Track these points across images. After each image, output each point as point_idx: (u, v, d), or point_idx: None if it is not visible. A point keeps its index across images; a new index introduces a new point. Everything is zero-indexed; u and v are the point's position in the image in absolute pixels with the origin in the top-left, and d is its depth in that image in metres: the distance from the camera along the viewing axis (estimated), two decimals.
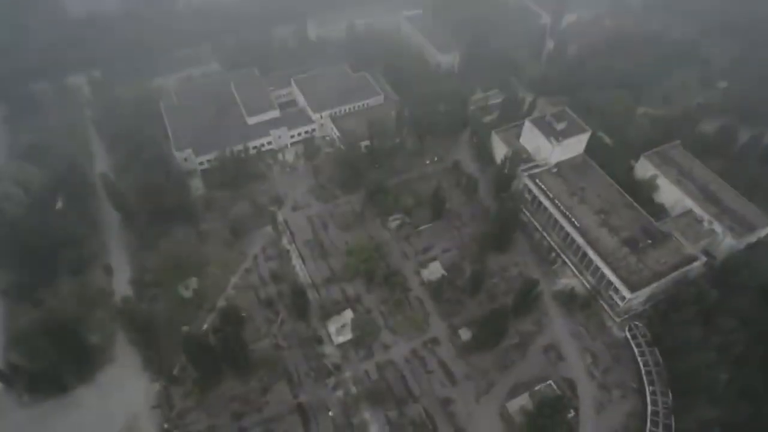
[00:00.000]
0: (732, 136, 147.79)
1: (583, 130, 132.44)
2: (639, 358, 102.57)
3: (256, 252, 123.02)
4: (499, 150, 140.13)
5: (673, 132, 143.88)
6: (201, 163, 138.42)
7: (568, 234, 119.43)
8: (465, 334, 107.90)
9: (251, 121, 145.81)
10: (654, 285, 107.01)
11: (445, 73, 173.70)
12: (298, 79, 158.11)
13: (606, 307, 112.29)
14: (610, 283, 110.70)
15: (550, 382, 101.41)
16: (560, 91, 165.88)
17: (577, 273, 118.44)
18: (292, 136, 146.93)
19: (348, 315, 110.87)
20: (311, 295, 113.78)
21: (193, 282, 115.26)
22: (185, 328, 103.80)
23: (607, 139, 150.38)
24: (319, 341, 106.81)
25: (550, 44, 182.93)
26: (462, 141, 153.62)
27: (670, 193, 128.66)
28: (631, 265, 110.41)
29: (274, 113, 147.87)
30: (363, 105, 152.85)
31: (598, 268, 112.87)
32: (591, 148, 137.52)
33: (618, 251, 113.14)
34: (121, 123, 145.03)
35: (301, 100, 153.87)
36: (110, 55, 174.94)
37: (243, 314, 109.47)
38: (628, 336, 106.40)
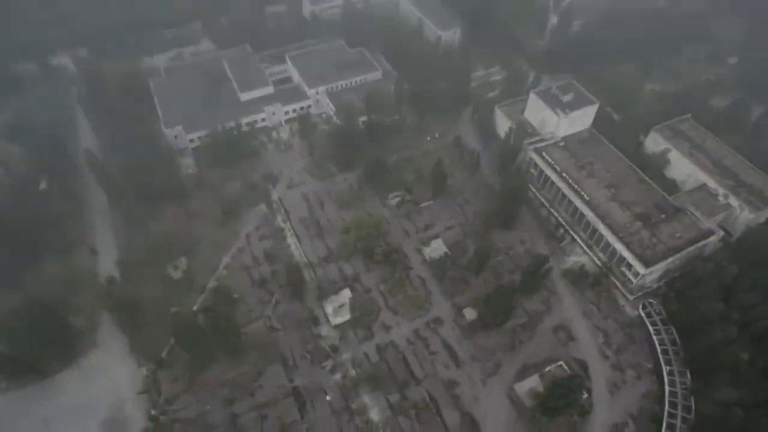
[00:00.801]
0: (745, 111, 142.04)
1: (591, 102, 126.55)
2: (654, 337, 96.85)
3: (249, 231, 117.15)
4: (503, 125, 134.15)
5: (683, 108, 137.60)
6: (192, 141, 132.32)
7: (576, 209, 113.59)
8: (470, 314, 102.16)
9: (244, 97, 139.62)
10: (669, 260, 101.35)
11: (445, 50, 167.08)
12: (292, 55, 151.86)
13: (618, 284, 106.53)
14: (622, 259, 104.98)
15: (560, 363, 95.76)
16: (565, 67, 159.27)
17: (586, 249, 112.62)
18: (287, 113, 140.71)
19: (346, 294, 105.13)
20: (307, 274, 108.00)
21: (183, 262, 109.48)
22: (174, 310, 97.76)
23: (615, 115, 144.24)
24: (316, 322, 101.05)
25: (553, 20, 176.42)
26: (464, 118, 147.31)
27: (682, 167, 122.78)
28: (645, 240, 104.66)
29: (268, 89, 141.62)
30: (360, 80, 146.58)
31: (609, 244, 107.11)
32: (598, 124, 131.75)
33: (630, 226, 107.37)
34: (108, 101, 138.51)
35: (296, 76, 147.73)
36: (97, 35, 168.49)
37: (235, 295, 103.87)
38: (642, 314, 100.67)
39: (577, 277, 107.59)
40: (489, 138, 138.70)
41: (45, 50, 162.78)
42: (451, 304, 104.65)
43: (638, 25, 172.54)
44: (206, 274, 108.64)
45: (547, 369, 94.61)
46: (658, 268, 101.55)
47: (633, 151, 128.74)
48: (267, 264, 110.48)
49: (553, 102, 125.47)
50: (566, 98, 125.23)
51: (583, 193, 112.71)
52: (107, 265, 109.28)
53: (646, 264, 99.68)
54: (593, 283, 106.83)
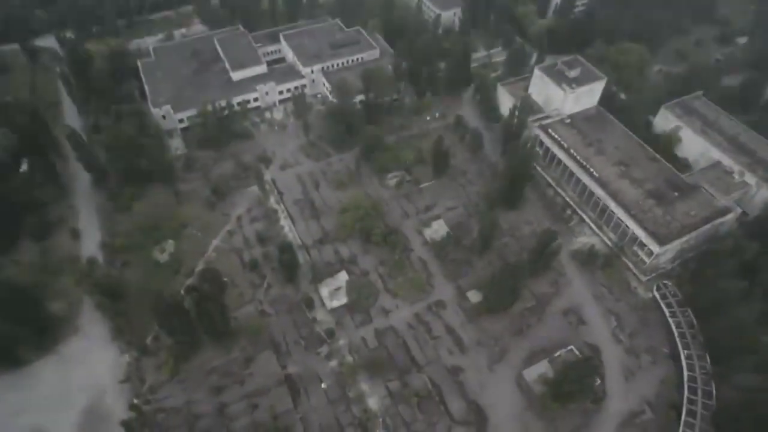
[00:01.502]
0: (757, 89, 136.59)
1: (598, 78, 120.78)
2: (670, 320, 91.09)
3: (241, 213, 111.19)
4: (506, 103, 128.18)
5: (693, 88, 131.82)
6: (181, 121, 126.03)
7: (585, 187, 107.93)
8: (474, 297, 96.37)
9: (236, 76, 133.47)
10: (684, 239, 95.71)
11: (445, 29, 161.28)
12: (287, 34, 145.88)
13: (630, 265, 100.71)
14: (634, 238, 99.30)
15: (571, 347, 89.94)
16: (568, 47, 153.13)
17: (596, 229, 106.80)
18: (281, 93, 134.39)
19: (342, 277, 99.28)
20: (301, 256, 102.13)
21: (170, 245, 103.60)
22: (157, 290, 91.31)
23: (622, 94, 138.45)
24: (310, 306, 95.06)
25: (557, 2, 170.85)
26: (465, 99, 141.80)
27: (694, 145, 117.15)
28: (658, 218, 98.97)
29: (261, 68, 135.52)
30: (357, 59, 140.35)
31: (620, 223, 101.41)
32: (604, 103, 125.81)
33: (642, 203, 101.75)
34: (93, 81, 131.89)
35: (290, 55, 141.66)
36: (84, 18, 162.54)
37: (225, 279, 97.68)
38: (657, 296, 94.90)
39: (587, 259, 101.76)
40: (491, 118, 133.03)
41: (30, 32, 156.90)
42: (455, 287, 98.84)
43: (643, 4, 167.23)
44: (195, 257, 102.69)
45: (557, 354, 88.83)
46: (673, 247, 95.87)
47: (642, 130, 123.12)
48: (259, 246, 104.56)
49: (559, 78, 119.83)
50: (572, 74, 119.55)
51: (591, 169, 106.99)
52: (90, 247, 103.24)
53: (661, 242, 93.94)
54: (604, 265, 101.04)
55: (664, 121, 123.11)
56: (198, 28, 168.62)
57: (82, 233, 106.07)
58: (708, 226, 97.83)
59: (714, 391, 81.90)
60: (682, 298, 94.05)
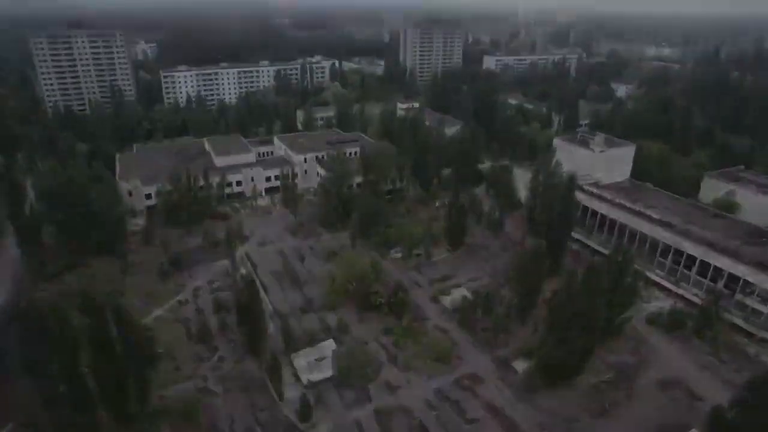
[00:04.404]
0: None
1: (626, 144, 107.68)
2: None
3: (200, 284, 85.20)
4: (523, 182, 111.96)
5: None
6: (148, 197, 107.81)
7: (645, 240, 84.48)
8: (522, 366, 65.15)
9: (219, 162, 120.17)
10: None
11: (450, 139, 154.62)
12: (281, 136, 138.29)
13: (740, 322, 71.26)
14: (731, 285, 72.36)
15: (693, 430, 56.08)
16: None
17: (672, 287, 79.67)
18: (268, 179, 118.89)
19: (328, 346, 69.02)
20: (274, 327, 73.33)
21: None
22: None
23: (649, 184, 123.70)
24: (278, 383, 63.00)
25: (559, 118, 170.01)
26: (476, 193, 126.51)
27: (758, 207, 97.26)
28: (758, 255, 73.71)
29: (248, 156, 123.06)
30: (356, 153, 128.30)
31: (706, 270, 75.43)
32: None
33: (728, 243, 77.40)
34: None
35: (283, 149, 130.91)
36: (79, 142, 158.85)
37: (160, 350, 67.52)
38: None
39: (671, 323, 73.05)
40: (509, 205, 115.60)
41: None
42: (492, 358, 67.96)
43: (645, 128, 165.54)
44: None
45: None
46: None
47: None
48: (215, 315, 76.27)
49: (583, 144, 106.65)
50: (596, 140, 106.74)
51: (649, 213, 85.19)
52: None
53: None
54: (698, 328, 71.60)
55: (711, 190, 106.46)
56: None
57: None
58: None
59: None
60: None
